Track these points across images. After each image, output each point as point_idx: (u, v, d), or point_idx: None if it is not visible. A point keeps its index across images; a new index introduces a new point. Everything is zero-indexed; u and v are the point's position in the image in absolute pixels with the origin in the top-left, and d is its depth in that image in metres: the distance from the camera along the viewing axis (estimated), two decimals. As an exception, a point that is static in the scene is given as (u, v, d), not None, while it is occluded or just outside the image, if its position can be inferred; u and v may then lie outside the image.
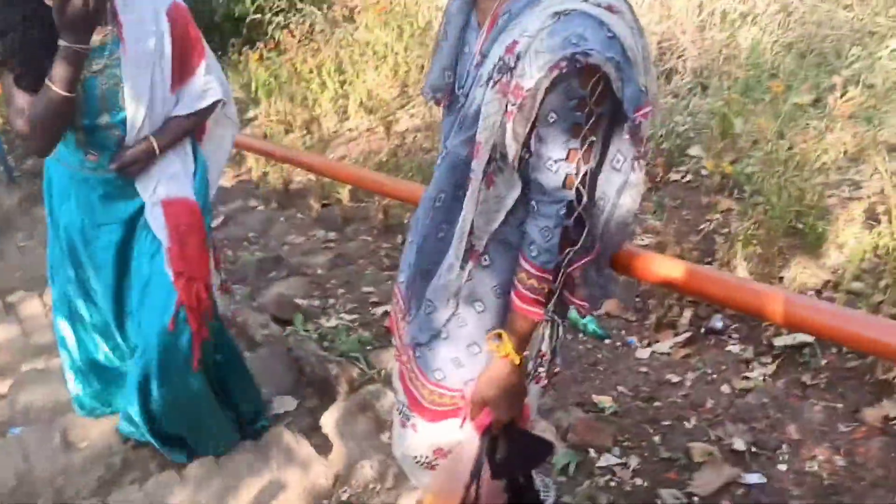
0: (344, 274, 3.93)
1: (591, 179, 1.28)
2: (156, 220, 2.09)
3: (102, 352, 2.43)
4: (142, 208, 2.12)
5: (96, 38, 1.89)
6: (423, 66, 5.61)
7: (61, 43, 1.74)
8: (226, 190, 5.46)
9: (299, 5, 7.79)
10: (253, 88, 6.89)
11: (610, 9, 1.18)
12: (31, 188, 6.63)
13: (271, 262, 4.09)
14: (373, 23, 6.13)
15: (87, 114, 2.00)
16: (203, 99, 2.10)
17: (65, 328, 2.39)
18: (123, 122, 2.01)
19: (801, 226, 3.01)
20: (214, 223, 3.20)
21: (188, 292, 2.08)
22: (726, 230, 3.23)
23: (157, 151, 2.05)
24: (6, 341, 3.46)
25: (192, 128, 2.16)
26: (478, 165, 1.29)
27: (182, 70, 2.05)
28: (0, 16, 1.85)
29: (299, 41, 6.60)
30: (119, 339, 2.36)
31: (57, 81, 1.79)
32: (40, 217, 5.66)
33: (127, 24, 1.92)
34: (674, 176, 3.84)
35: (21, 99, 1.89)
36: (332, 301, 3.62)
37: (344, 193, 4.59)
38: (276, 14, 7.87)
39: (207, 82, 2.09)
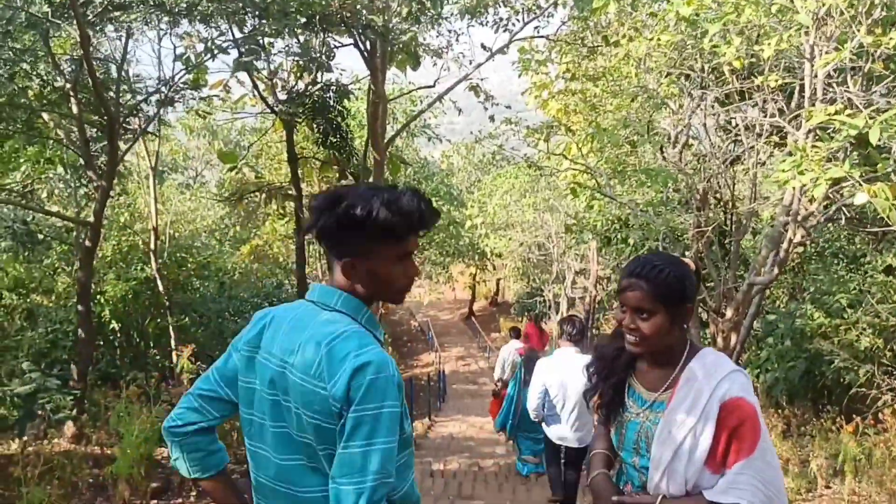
0: None
1: None
2: None
3: None
4: None
5: (654, 395, 2.24)
6: None
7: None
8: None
9: (915, 388, 7.27)
10: (840, 460, 6.49)
11: None
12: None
13: None
14: None
15: (625, 450, 2.31)
16: (725, 494, 2.11)
17: None
18: (648, 470, 2.24)
19: None
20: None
21: None
22: None
23: None
24: None
25: None
26: None
27: (723, 458, 2.13)
28: (602, 345, 2.44)
29: (901, 425, 6.08)
30: None
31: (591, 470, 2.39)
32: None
33: (678, 395, 2.19)
34: None
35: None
36: None
37: None
38: (888, 391, 7.47)
39: (736, 482, 2.10)
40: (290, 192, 10.92)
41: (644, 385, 2.30)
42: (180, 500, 6.32)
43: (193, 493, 6.45)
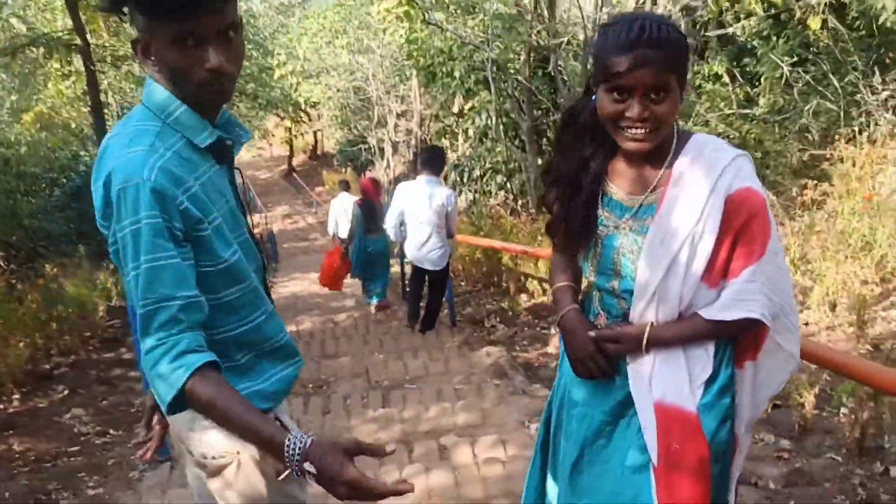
0: (806, 496, 3.24)
1: None
2: (645, 419, 1.77)
3: None
4: (628, 397, 1.83)
5: (638, 198, 1.74)
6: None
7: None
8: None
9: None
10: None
11: None
12: (469, 333, 7.04)
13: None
14: (850, 212, 5.48)
15: (600, 272, 1.82)
16: (730, 310, 1.68)
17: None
18: (632, 294, 1.77)
19: None
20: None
21: None
22: None
23: (644, 344, 1.75)
24: (439, 487, 3.43)
25: (709, 336, 1.74)
26: None
27: (726, 266, 1.69)
28: (555, 164, 1.85)
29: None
30: None
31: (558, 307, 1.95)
32: (475, 361, 5.91)
33: (671, 194, 1.70)
34: None
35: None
36: (795, 528, 2.97)
37: (808, 397, 3.93)
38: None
39: (744, 292, 1.67)
40: (73, 43, 9.26)
41: (624, 188, 1.78)
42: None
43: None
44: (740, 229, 1.67)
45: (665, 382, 1.76)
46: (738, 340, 1.80)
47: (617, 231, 1.78)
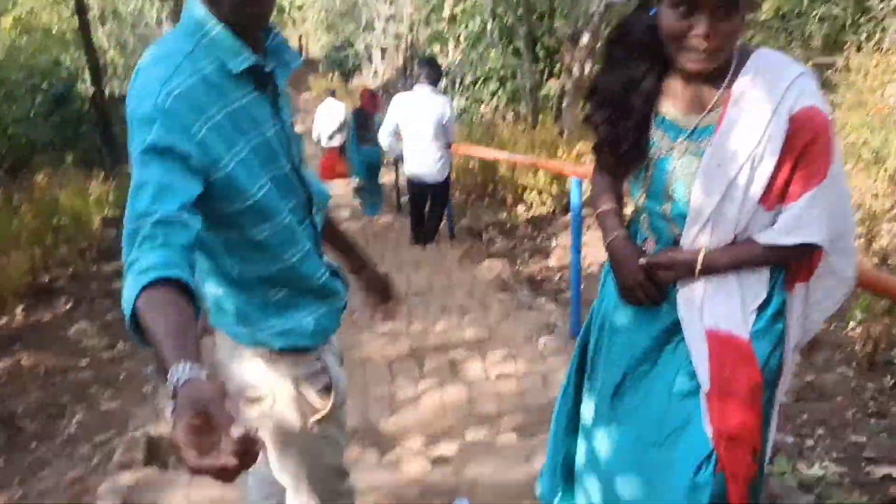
0: (818, 410, 3.29)
1: None
2: (696, 347, 1.74)
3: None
4: (675, 324, 1.79)
5: (696, 119, 1.65)
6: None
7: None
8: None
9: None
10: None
11: None
12: (469, 245, 7.00)
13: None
14: (861, 124, 5.40)
15: (652, 195, 1.75)
16: (788, 234, 1.62)
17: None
18: (684, 218, 1.71)
19: None
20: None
21: (731, 458, 1.67)
22: None
23: (697, 270, 1.69)
24: (453, 402, 3.45)
25: (765, 261, 1.68)
26: None
27: (786, 188, 1.62)
28: (603, 82, 1.74)
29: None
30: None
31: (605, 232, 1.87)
32: (477, 275, 5.90)
33: (731, 114, 1.61)
34: None
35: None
36: (809, 442, 3.01)
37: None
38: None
39: (803, 217, 1.60)
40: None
41: (680, 108, 1.70)
42: None
43: None
44: (802, 150, 1.59)
45: (717, 309, 1.72)
46: (789, 263, 1.76)
47: (671, 153, 1.70)
